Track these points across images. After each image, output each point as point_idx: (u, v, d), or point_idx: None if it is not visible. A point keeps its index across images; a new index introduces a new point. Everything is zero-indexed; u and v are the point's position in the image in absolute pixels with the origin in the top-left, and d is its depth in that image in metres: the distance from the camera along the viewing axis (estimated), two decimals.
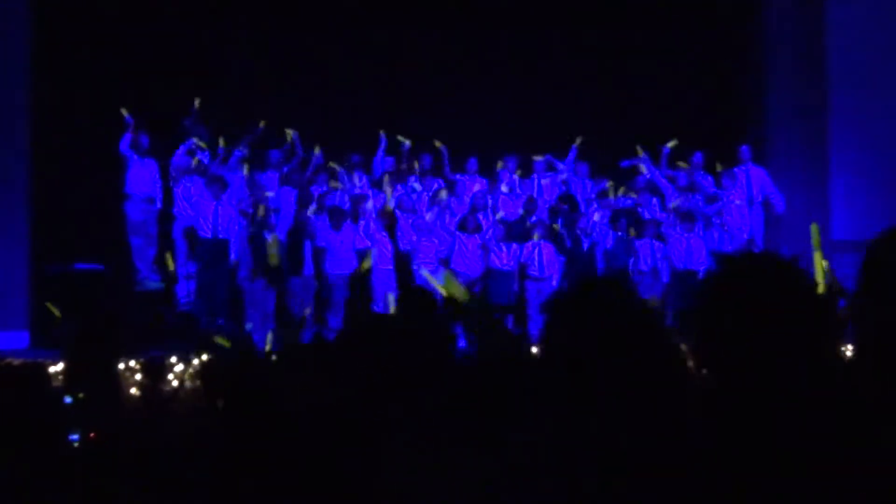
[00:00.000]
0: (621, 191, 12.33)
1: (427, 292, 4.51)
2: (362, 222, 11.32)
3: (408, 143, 12.33)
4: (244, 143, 11.88)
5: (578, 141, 12.44)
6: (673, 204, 11.81)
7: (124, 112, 11.37)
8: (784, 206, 12.12)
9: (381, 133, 12.35)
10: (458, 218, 11.50)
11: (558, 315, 1.91)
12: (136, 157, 11.36)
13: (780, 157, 12.57)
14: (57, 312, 9.23)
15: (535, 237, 11.32)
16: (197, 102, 11.83)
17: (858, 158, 12.10)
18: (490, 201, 12.05)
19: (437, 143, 12.42)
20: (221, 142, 11.81)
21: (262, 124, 12.03)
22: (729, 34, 13.27)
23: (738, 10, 13.24)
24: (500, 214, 11.89)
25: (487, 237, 11.38)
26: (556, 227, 11.67)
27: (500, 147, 12.68)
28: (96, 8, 12.09)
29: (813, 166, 12.41)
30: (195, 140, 11.55)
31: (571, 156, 12.54)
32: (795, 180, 12.42)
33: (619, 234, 11.52)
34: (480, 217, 11.55)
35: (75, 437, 3.17)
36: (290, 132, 12.19)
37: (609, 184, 12.34)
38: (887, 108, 12.05)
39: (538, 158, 12.64)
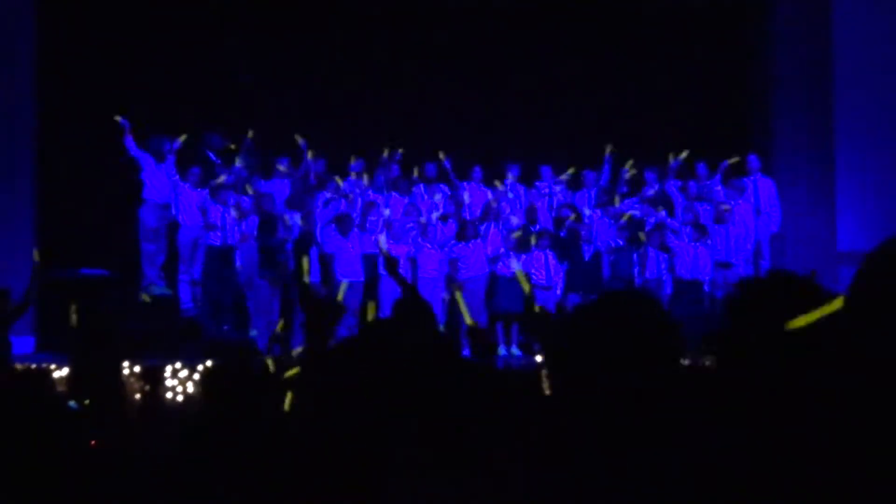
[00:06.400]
0: (616, 200, 12.19)
1: (423, 301, 4.46)
2: (373, 230, 11.30)
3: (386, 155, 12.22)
4: (240, 158, 11.84)
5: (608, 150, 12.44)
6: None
7: (117, 119, 11.17)
8: (779, 224, 12.01)
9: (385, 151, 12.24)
10: (458, 226, 11.47)
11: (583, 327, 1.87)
12: (153, 162, 11.27)
13: (784, 171, 12.48)
14: None
15: (533, 243, 11.32)
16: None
17: (865, 167, 12.02)
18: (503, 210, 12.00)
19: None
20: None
21: (250, 135, 11.96)
22: (735, 39, 13.26)
23: (745, 16, 13.23)
24: (514, 219, 11.86)
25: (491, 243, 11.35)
26: (560, 235, 11.66)
27: (504, 155, 12.68)
28: (102, 14, 12.12)
29: (819, 175, 12.33)
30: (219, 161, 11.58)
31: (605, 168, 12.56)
32: (801, 189, 12.33)
33: (623, 244, 11.52)
34: (482, 225, 11.51)
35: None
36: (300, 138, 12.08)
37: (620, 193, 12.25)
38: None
39: (546, 166, 12.65)
